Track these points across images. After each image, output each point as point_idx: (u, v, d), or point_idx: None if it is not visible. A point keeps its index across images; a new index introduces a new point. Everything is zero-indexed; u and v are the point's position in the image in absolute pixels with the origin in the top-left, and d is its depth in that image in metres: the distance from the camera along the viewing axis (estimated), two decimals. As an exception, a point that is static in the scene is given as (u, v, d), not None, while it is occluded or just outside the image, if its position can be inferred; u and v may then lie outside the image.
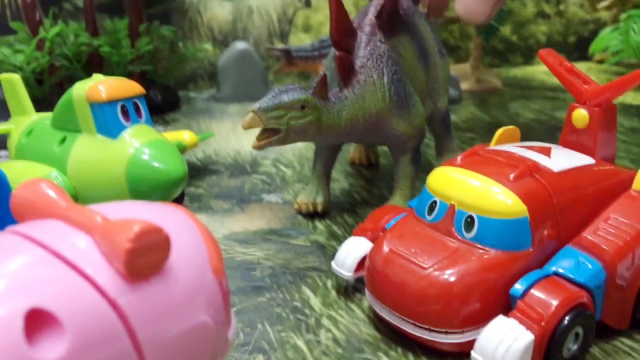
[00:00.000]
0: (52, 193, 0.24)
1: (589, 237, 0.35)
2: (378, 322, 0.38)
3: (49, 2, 0.96)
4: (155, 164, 0.47)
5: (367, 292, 0.37)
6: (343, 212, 0.55)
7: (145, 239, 0.21)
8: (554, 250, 0.35)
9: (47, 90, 0.82)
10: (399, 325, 0.34)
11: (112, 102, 0.48)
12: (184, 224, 0.25)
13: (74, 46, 0.83)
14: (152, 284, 0.21)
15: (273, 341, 0.36)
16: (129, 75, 0.86)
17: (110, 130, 0.48)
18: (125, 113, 0.49)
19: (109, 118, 0.48)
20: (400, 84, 0.48)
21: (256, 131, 0.45)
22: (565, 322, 0.31)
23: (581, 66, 1.13)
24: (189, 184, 0.62)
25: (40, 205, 0.23)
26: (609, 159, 0.41)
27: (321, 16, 1.09)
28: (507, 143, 0.42)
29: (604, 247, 0.34)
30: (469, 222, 0.34)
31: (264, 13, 1.08)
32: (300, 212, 0.54)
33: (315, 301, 0.40)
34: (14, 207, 0.24)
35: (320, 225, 0.52)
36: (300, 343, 0.36)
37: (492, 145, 0.41)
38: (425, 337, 0.33)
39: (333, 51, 0.49)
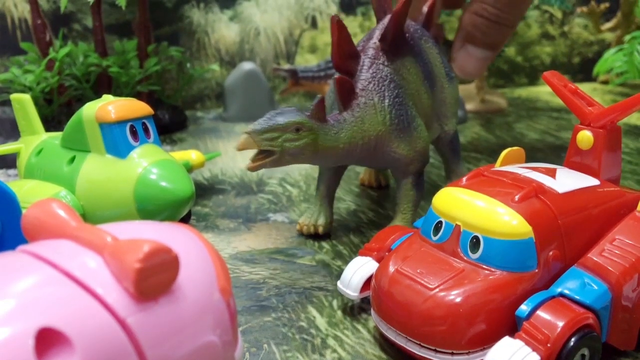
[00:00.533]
0: (62, 213, 0.24)
1: (595, 259, 0.35)
2: (384, 342, 0.38)
3: (59, 23, 0.98)
4: (163, 184, 0.48)
5: (372, 312, 0.37)
6: (349, 232, 0.55)
7: (155, 258, 0.21)
8: (560, 272, 0.35)
9: (56, 110, 0.83)
10: (405, 346, 0.34)
11: (121, 123, 0.48)
12: (192, 244, 0.25)
13: (83, 66, 0.84)
14: (161, 304, 0.22)
15: (279, 361, 0.36)
16: (137, 95, 0.87)
17: (119, 150, 0.48)
18: (134, 133, 0.49)
19: (117, 138, 0.48)
20: (402, 107, 0.48)
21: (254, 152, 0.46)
22: (571, 343, 0.31)
23: (585, 87, 1.14)
24: (196, 203, 0.62)
25: (50, 225, 0.24)
26: (614, 180, 0.41)
27: (327, 37, 1.11)
28: (512, 164, 0.42)
29: (610, 268, 0.34)
30: (475, 243, 0.34)
31: (270, 34, 1.09)
32: (302, 233, 0.54)
33: (321, 321, 0.40)
34: (25, 227, 0.25)
35: (326, 245, 0.52)
36: (306, 363, 0.36)
37: (498, 166, 0.41)
38: (431, 358, 0.33)
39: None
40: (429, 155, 0.52)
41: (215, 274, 0.25)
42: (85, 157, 0.50)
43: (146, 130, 0.50)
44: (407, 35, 0.51)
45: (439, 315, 0.33)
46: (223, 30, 1.07)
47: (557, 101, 1.03)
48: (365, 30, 1.12)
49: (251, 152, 0.46)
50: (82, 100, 0.83)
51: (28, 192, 0.50)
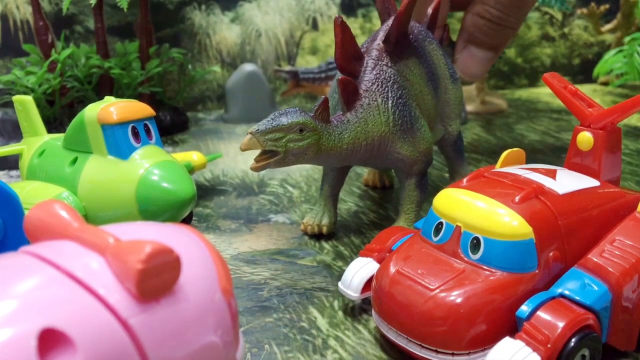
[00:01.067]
0: (64, 214, 0.24)
1: (595, 259, 0.35)
2: (385, 343, 0.38)
3: (61, 25, 0.98)
4: (165, 185, 0.48)
5: (373, 312, 0.37)
6: (350, 232, 0.55)
7: (157, 259, 0.21)
8: (560, 272, 0.35)
9: (58, 111, 0.83)
10: (406, 347, 0.34)
11: (123, 124, 0.49)
12: (194, 245, 0.26)
13: (85, 68, 0.84)
14: (163, 305, 0.22)
15: (280, 362, 0.36)
16: (139, 97, 0.87)
17: (121, 151, 0.48)
18: (135, 134, 0.49)
19: (119, 139, 0.48)
20: (405, 108, 0.49)
21: (257, 152, 0.46)
22: (572, 344, 0.31)
23: (586, 88, 1.14)
24: (197, 204, 0.62)
25: (53, 226, 0.24)
26: (614, 182, 0.41)
27: (328, 39, 1.11)
28: (512, 165, 0.42)
29: (610, 269, 0.34)
30: (475, 244, 0.34)
31: (271, 36, 1.09)
32: (306, 233, 0.54)
33: (322, 322, 0.41)
34: (27, 228, 0.25)
35: (327, 245, 0.52)
36: (307, 364, 0.36)
37: (498, 167, 0.42)
38: (431, 358, 0.33)
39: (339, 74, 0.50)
40: (432, 156, 0.52)
41: (216, 275, 0.25)
42: (87, 158, 0.50)
43: (148, 131, 0.51)
44: (410, 36, 0.51)
45: (439, 316, 0.33)
46: (224, 32, 1.08)
47: (557, 102, 1.03)
48: (366, 31, 1.12)
49: (254, 153, 0.46)
50: (84, 102, 0.84)
51: (30, 193, 0.50)
